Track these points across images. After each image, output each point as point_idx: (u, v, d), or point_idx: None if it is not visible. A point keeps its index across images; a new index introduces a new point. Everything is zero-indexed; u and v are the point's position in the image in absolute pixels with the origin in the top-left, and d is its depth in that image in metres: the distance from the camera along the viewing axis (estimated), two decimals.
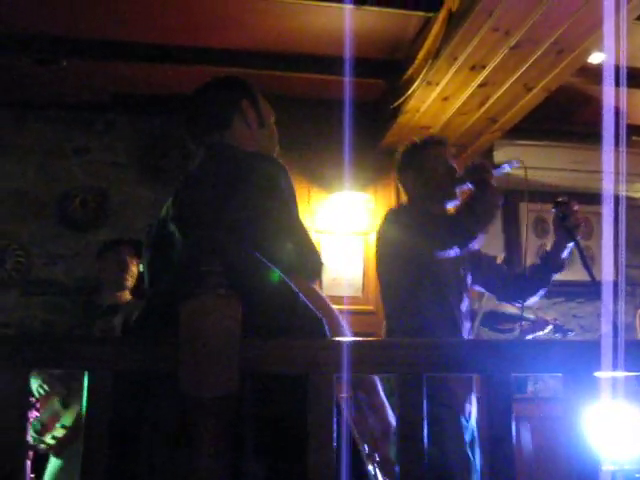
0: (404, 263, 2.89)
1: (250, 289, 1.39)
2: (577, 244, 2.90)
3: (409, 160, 3.14)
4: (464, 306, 2.94)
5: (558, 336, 4.04)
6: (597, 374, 1.32)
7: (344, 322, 1.69)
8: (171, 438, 1.36)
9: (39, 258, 4.75)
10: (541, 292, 3.12)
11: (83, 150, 4.93)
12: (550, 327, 3.86)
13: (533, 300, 3.15)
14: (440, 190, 3.04)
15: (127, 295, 3.85)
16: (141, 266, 3.50)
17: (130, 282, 3.83)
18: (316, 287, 1.72)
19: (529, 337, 3.82)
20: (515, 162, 3.05)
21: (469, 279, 3.08)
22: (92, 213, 4.82)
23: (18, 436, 1.29)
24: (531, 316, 3.92)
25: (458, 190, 3.04)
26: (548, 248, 3.13)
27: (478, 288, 3.22)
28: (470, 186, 3.01)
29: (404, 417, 1.30)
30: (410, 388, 1.31)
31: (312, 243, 1.77)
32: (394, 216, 3.08)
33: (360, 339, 1.36)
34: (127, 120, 4.97)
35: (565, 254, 3.06)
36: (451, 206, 3.07)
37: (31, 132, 4.89)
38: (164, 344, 1.29)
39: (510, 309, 3.86)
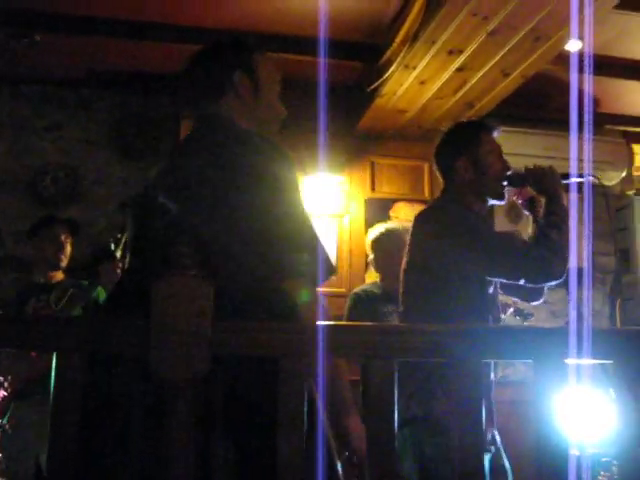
0: (455, 268, 2.45)
1: (223, 271, 1.38)
2: (535, 219, 2.62)
3: (462, 143, 2.65)
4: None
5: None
6: (567, 360, 1.33)
7: (324, 305, 1.63)
8: (142, 420, 1.35)
9: (9, 235, 4.69)
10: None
11: (55, 127, 4.86)
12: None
13: (544, 295, 2.82)
14: (493, 189, 2.61)
15: (60, 274, 3.82)
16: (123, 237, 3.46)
17: (64, 262, 3.80)
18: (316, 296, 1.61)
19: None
20: (588, 175, 2.66)
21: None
22: (63, 191, 4.76)
23: None
24: None
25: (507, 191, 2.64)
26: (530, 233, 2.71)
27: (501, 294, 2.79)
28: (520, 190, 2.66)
29: (373, 405, 1.30)
30: (380, 374, 1.31)
31: (316, 241, 1.65)
32: (443, 217, 2.57)
33: (331, 323, 1.36)
34: (101, 97, 4.91)
35: None
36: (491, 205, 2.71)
37: (3, 108, 4.81)
38: (134, 325, 1.27)
39: None
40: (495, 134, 2.68)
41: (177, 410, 1.22)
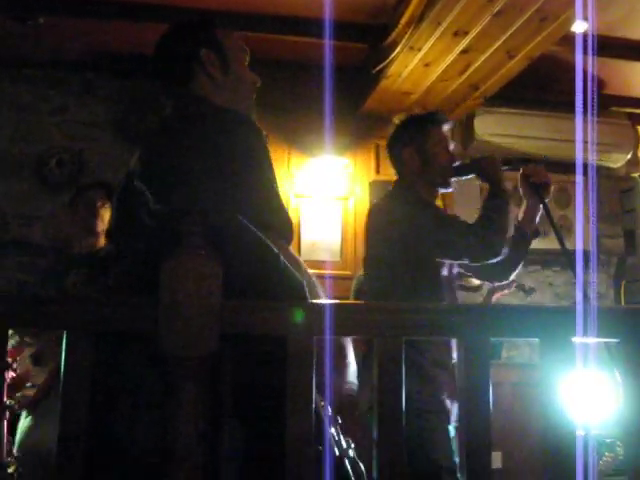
0: (407, 254, 2.65)
1: (231, 250, 1.38)
2: (545, 206, 2.78)
3: (410, 134, 2.85)
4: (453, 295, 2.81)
5: (522, 295, 4.11)
6: (574, 339, 1.33)
7: (318, 284, 1.68)
8: (151, 398, 1.36)
9: (14, 218, 4.70)
10: (521, 265, 2.96)
11: (60, 110, 4.85)
12: (514, 285, 3.91)
13: (514, 275, 2.99)
14: (440, 175, 2.81)
15: (101, 241, 3.57)
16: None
17: (101, 226, 3.57)
18: (291, 250, 1.69)
19: (496, 295, 3.87)
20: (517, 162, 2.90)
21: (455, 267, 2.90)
22: (68, 174, 4.75)
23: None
24: None
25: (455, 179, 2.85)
26: (520, 217, 2.92)
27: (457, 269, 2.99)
28: (467, 177, 2.84)
29: (383, 383, 1.31)
30: (387, 351, 1.32)
31: (285, 207, 1.72)
32: (398, 206, 2.77)
33: (340, 302, 1.37)
34: (105, 81, 4.90)
35: (537, 218, 2.89)
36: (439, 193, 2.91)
37: (7, 91, 4.80)
38: (144, 304, 1.28)
39: None
40: (444, 127, 2.85)
41: (186, 388, 1.23)
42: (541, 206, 2.84)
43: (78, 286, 3.42)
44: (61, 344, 1.29)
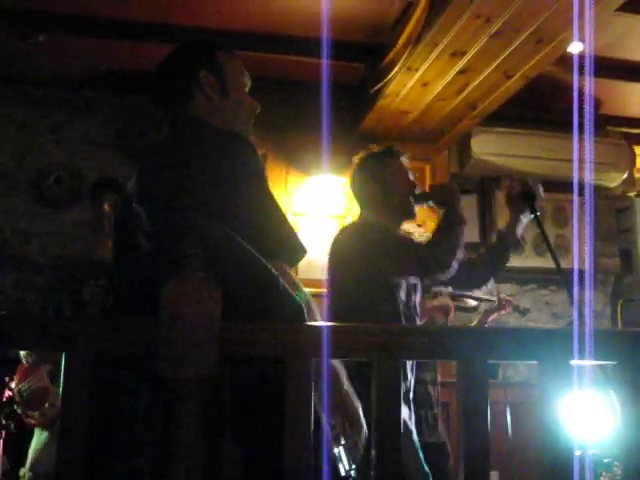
0: (367, 277, 2.76)
1: (231, 273, 1.39)
2: (537, 217, 2.89)
3: (369, 171, 2.98)
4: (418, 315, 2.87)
5: (517, 315, 4.14)
6: (573, 362, 1.34)
7: (315, 306, 1.68)
8: (150, 420, 1.36)
9: (13, 235, 4.71)
10: (497, 274, 3.09)
11: (59, 127, 4.87)
12: (510, 308, 3.95)
13: (490, 283, 3.10)
14: (402, 207, 2.93)
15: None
16: None
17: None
18: (291, 272, 1.67)
19: (492, 316, 3.89)
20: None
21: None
22: (67, 191, 4.77)
23: None
24: (491, 297, 4.00)
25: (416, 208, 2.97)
26: (502, 227, 3.07)
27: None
28: (430, 205, 3.01)
29: (381, 403, 1.31)
30: (385, 371, 1.32)
31: (291, 227, 1.72)
32: (358, 233, 2.92)
33: (339, 324, 1.37)
34: (104, 98, 4.92)
35: (520, 230, 2.99)
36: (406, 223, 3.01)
37: (7, 108, 4.82)
38: (143, 325, 1.28)
39: (477, 291, 3.91)
40: (402, 159, 3.00)
41: (185, 410, 1.23)
42: (530, 220, 2.95)
43: (95, 298, 3.34)
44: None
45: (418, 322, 2.83)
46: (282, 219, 1.70)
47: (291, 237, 1.70)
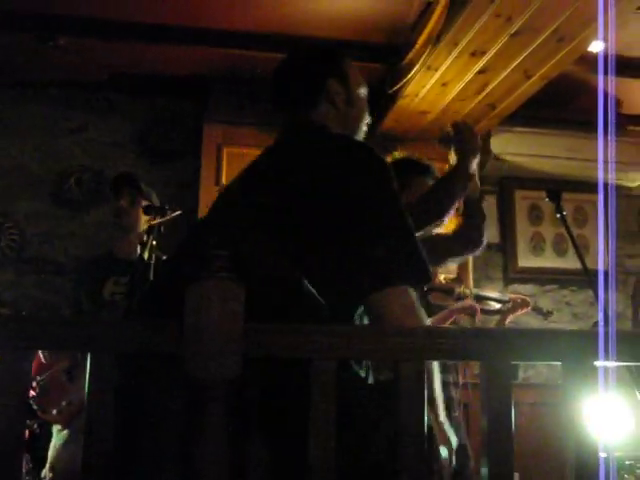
0: None
1: (254, 274, 1.39)
2: (567, 228, 2.85)
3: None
4: None
5: (539, 317, 4.09)
6: (597, 363, 1.33)
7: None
8: (176, 422, 1.36)
9: (34, 237, 4.75)
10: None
11: (81, 129, 4.91)
12: (529, 309, 3.90)
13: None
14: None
15: (136, 245, 3.31)
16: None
17: (126, 222, 3.43)
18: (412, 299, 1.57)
19: (510, 318, 3.84)
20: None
21: None
22: (88, 193, 4.80)
23: (17, 417, 1.30)
24: (506, 298, 3.95)
25: None
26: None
27: None
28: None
29: (403, 405, 1.31)
30: (410, 373, 1.32)
31: (417, 245, 1.61)
32: None
33: (362, 325, 1.37)
34: (126, 100, 4.95)
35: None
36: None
37: (29, 110, 4.86)
38: (168, 327, 1.29)
39: (492, 293, 3.88)
40: (428, 180, 2.75)
41: (210, 411, 1.23)
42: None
43: (116, 297, 3.32)
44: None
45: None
46: (411, 237, 1.63)
47: (419, 257, 1.61)
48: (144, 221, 3.34)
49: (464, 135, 2.65)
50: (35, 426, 3.39)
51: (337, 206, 1.58)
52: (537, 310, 3.98)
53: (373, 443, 1.42)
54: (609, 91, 3.72)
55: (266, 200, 1.62)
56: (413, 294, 1.56)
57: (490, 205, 5.13)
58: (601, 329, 1.35)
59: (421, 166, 2.85)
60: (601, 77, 3.43)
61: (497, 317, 4.00)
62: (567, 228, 2.86)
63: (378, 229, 1.58)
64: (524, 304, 3.85)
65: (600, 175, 2.67)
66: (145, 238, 3.05)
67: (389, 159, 2.85)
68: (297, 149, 1.76)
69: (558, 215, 2.88)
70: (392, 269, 1.54)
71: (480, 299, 3.43)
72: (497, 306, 3.85)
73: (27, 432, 3.38)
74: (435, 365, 1.64)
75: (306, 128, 1.84)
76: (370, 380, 1.62)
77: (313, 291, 1.47)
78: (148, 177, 4.77)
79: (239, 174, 1.80)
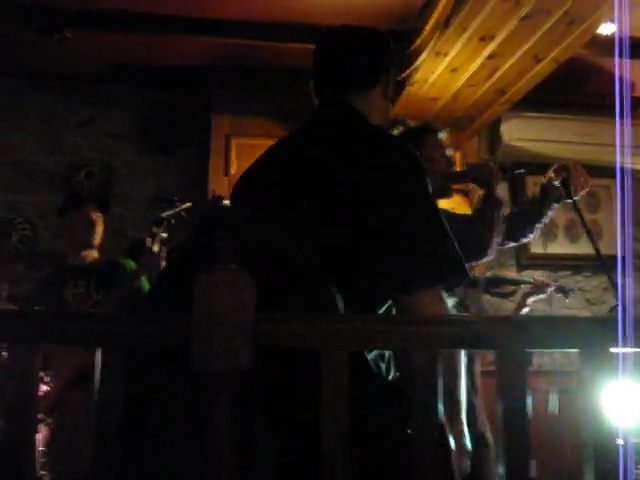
0: None
1: (262, 264, 1.37)
2: (580, 214, 2.88)
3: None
4: None
5: (560, 297, 4.04)
6: (614, 350, 1.31)
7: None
8: (184, 414, 1.35)
9: (45, 231, 4.75)
10: (531, 230, 3.04)
11: (87, 122, 4.90)
12: (551, 289, 3.87)
13: (525, 239, 3.09)
14: (438, 182, 2.78)
15: (95, 253, 3.73)
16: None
17: (97, 239, 3.73)
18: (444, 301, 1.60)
19: (531, 300, 3.81)
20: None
21: None
22: (97, 185, 4.80)
23: (28, 411, 1.29)
24: (530, 279, 3.93)
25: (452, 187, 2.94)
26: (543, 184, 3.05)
27: None
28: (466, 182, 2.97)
29: (420, 395, 1.29)
30: (422, 363, 1.30)
31: (454, 247, 1.61)
32: None
33: (374, 314, 1.35)
34: (131, 92, 4.95)
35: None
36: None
37: (35, 104, 4.87)
38: (177, 319, 1.27)
39: (510, 274, 3.85)
40: (440, 135, 2.93)
41: (220, 403, 1.22)
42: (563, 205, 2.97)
43: (76, 297, 3.51)
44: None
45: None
46: (447, 235, 1.61)
47: (455, 256, 1.60)
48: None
49: (482, 173, 2.91)
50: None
51: (377, 207, 1.57)
52: (558, 289, 3.93)
53: (387, 435, 1.40)
54: (622, 74, 3.67)
55: (312, 196, 1.61)
56: (445, 296, 1.58)
57: (501, 191, 5.08)
58: (619, 315, 1.33)
59: (431, 126, 3.00)
60: (612, 60, 3.38)
61: (516, 299, 3.97)
62: (580, 214, 2.83)
63: (417, 230, 1.58)
64: (547, 286, 3.83)
65: (613, 159, 2.64)
66: (154, 230, 3.08)
67: (399, 132, 2.95)
68: (344, 144, 1.70)
69: (569, 201, 2.86)
70: (429, 271, 1.55)
71: (494, 283, 3.41)
72: (511, 288, 3.83)
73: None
74: (462, 366, 1.64)
75: (349, 117, 1.77)
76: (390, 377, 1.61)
77: (318, 277, 1.44)
78: (155, 169, 4.78)
79: (270, 161, 1.77)
